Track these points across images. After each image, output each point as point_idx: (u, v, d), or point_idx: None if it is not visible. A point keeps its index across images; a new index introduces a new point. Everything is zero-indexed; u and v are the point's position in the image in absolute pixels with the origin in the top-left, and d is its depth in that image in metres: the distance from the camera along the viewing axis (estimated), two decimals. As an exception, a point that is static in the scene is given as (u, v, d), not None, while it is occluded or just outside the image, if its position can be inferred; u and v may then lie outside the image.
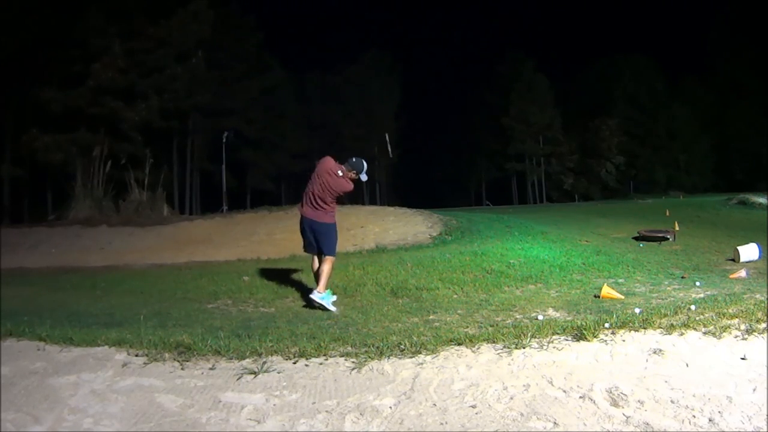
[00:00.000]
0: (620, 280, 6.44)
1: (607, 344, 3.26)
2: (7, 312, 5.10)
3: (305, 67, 47.45)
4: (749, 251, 7.49)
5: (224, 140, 27.82)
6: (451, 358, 3.23)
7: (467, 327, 4.19)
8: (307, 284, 6.90)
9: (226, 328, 4.41)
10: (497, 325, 4.11)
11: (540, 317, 4.44)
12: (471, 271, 7.04)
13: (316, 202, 5.93)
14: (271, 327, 4.43)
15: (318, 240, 5.93)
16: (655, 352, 3.08)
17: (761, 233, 9.19)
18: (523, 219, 13.63)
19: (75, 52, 22.02)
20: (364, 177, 6.02)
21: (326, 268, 5.80)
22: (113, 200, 21.31)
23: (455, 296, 6.01)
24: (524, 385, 2.78)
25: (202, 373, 3.18)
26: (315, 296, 5.59)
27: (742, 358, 2.95)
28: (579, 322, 3.60)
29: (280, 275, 7.48)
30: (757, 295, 4.58)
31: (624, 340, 3.29)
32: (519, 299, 5.57)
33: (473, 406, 2.62)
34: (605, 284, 5.76)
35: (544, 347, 3.28)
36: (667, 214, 14.51)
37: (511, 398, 2.67)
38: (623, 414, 2.46)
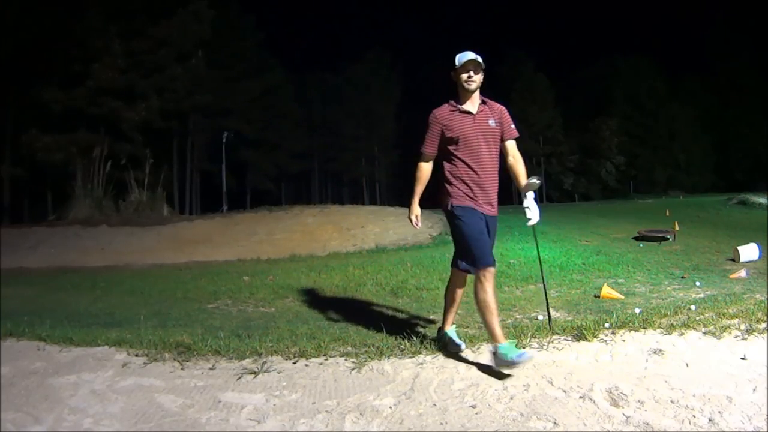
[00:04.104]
0: (620, 280, 6.44)
1: (607, 344, 3.27)
2: (7, 312, 5.10)
3: (305, 67, 47.52)
4: (749, 251, 7.49)
5: (224, 140, 27.84)
6: (451, 358, 3.23)
7: (467, 327, 4.19)
8: (306, 284, 6.91)
9: (226, 328, 4.41)
10: (497, 325, 4.10)
11: (540, 317, 4.44)
12: (471, 271, 7.03)
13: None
14: (271, 327, 4.42)
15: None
16: (655, 352, 3.08)
17: (761, 233, 9.18)
18: (523, 219, 13.60)
19: (75, 52, 22.02)
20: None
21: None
22: (113, 200, 21.36)
23: (455, 296, 6.00)
24: (524, 385, 2.79)
25: (202, 373, 3.18)
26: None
27: (742, 358, 2.96)
28: (579, 322, 3.61)
29: (280, 275, 7.48)
30: (757, 295, 4.58)
31: (624, 340, 3.29)
32: (519, 299, 5.57)
33: (473, 406, 2.62)
34: (605, 284, 5.76)
35: (544, 347, 3.28)
36: (667, 214, 14.51)
37: (511, 398, 2.68)
38: (623, 414, 2.46)
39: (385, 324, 4.58)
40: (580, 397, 2.62)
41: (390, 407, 2.66)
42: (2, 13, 20.61)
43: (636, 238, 9.82)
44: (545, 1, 75.10)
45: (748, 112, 43.07)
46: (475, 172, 3.36)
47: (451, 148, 3.39)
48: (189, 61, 25.25)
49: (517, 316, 4.72)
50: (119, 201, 21.27)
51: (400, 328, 4.27)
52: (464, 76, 3.35)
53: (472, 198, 3.34)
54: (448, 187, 3.38)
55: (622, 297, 5.33)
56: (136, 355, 3.48)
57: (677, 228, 10.81)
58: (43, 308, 5.85)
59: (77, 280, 8.70)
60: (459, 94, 3.43)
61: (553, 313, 4.82)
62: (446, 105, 3.47)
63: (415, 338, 3.50)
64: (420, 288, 6.32)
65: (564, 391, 2.70)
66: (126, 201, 21.12)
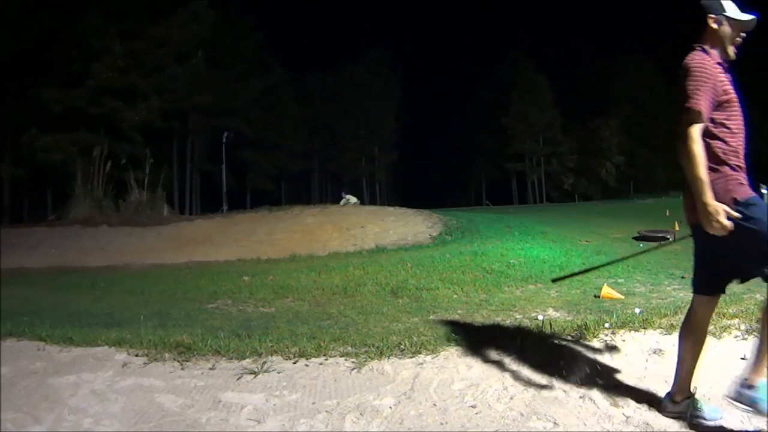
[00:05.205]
0: (620, 280, 6.44)
1: (607, 344, 3.27)
2: (7, 312, 5.09)
3: (305, 67, 47.59)
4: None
5: (224, 140, 27.87)
6: (451, 358, 3.23)
7: (468, 323, 4.19)
8: (306, 284, 6.89)
9: (226, 328, 4.41)
10: (497, 325, 4.11)
11: (540, 317, 4.44)
12: (471, 271, 7.04)
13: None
14: (271, 327, 4.42)
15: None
16: (655, 352, 3.09)
17: (761, 233, 9.17)
18: (523, 219, 13.63)
19: (75, 52, 22.07)
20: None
21: None
22: (113, 200, 21.33)
23: (455, 296, 6.01)
24: (524, 385, 2.79)
25: (202, 373, 3.18)
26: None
27: (742, 358, 2.96)
28: (579, 322, 3.61)
29: (280, 275, 7.47)
30: (757, 295, 4.57)
31: (624, 340, 3.29)
32: (519, 299, 5.57)
33: (473, 406, 2.62)
34: (605, 284, 5.76)
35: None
36: (667, 214, 14.49)
37: (511, 398, 2.68)
38: (623, 414, 2.46)
39: (385, 324, 4.58)
40: (580, 397, 2.63)
41: (390, 407, 2.66)
42: (2, 13, 20.63)
43: (636, 238, 9.82)
44: (545, 0, 75.12)
45: (748, 112, 43.11)
46: (740, 150, 2.57)
47: (720, 115, 2.53)
48: (189, 61, 25.33)
49: (517, 316, 4.72)
50: (119, 201, 21.23)
51: (400, 328, 4.28)
52: (737, 34, 2.50)
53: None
54: (724, 168, 2.50)
55: (622, 297, 5.32)
56: (136, 355, 3.48)
57: (677, 228, 10.81)
58: (43, 308, 5.85)
59: (77, 280, 8.70)
60: (713, 46, 2.50)
61: (553, 313, 4.82)
62: (704, 54, 2.45)
63: (415, 338, 3.50)
64: (420, 288, 6.31)
65: (564, 391, 2.70)
66: (126, 201, 21.09)
